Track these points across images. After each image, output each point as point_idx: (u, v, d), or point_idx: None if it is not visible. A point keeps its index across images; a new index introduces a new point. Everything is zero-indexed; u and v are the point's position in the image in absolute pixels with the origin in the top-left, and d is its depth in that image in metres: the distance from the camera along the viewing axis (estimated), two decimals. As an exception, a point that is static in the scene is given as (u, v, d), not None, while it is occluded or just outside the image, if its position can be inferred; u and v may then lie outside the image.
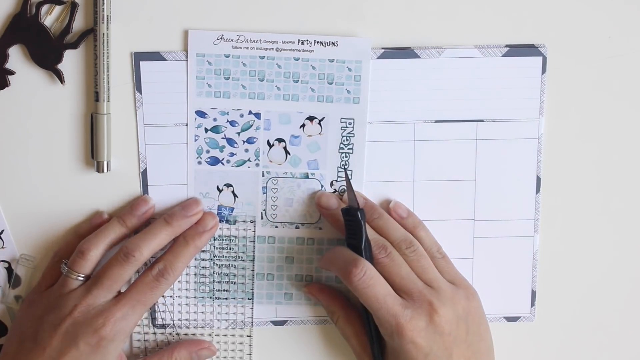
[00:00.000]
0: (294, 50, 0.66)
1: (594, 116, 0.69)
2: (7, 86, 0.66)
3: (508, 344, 0.72)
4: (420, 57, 0.67)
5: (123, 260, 0.63)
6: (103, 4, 0.64)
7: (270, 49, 0.66)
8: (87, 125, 0.67)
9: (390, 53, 0.67)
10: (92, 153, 0.66)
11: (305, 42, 0.66)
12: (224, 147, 0.68)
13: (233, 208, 0.69)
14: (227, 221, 0.69)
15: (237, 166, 0.68)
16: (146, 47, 0.66)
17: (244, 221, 0.69)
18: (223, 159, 0.68)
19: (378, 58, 0.66)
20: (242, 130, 0.68)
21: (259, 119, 0.67)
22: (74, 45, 0.65)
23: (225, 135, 0.68)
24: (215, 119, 0.67)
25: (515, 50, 0.67)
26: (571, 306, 0.72)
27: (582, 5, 0.67)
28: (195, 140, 0.68)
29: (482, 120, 0.68)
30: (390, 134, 0.68)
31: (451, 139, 0.68)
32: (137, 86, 0.66)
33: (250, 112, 0.67)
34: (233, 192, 0.69)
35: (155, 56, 0.66)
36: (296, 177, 0.68)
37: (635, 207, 0.71)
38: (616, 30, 0.67)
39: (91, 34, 0.65)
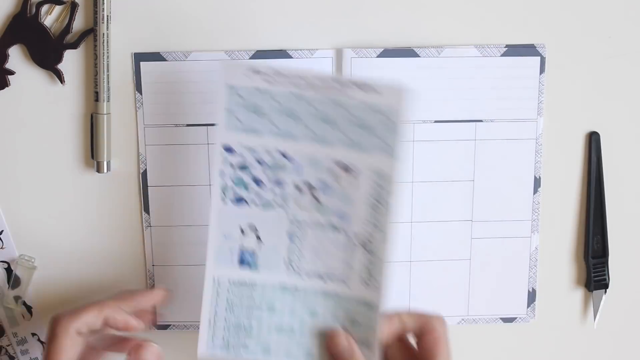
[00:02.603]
0: (330, 91, 0.61)
1: (593, 116, 0.69)
2: (7, 86, 0.66)
3: (504, 346, 0.72)
4: (419, 56, 0.67)
5: None
6: (103, 4, 0.64)
7: (306, 88, 0.61)
8: (87, 125, 0.67)
9: (390, 52, 0.67)
10: (92, 153, 0.66)
11: (343, 84, 0.61)
12: (250, 186, 0.63)
13: (255, 253, 0.64)
14: (249, 265, 0.64)
15: (263, 208, 0.63)
16: (146, 47, 0.66)
17: (265, 267, 0.64)
18: (249, 199, 0.63)
19: (378, 57, 0.67)
20: (271, 171, 0.63)
21: (290, 161, 0.62)
22: (74, 45, 0.65)
23: (252, 174, 0.63)
24: (243, 156, 0.62)
25: (515, 50, 0.67)
26: (568, 307, 0.73)
27: (582, 6, 0.67)
28: (221, 177, 0.63)
29: (480, 121, 0.68)
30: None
31: (450, 140, 0.68)
32: (137, 86, 0.66)
33: (280, 153, 0.62)
34: (257, 235, 0.64)
35: (155, 56, 0.66)
36: (324, 228, 0.63)
37: (635, 207, 0.71)
38: (616, 30, 0.68)
39: (91, 34, 0.65)
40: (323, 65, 0.67)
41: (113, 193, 0.68)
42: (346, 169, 0.62)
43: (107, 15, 0.64)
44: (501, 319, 0.71)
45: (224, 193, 0.63)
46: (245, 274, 0.63)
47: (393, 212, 0.61)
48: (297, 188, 0.63)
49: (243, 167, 0.62)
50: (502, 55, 0.67)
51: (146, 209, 0.68)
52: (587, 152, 0.70)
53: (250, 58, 0.66)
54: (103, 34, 0.64)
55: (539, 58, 0.67)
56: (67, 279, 0.69)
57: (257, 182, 0.63)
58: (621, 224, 0.71)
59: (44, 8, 0.65)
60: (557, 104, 0.68)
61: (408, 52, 0.67)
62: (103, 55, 0.65)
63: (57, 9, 0.65)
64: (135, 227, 0.68)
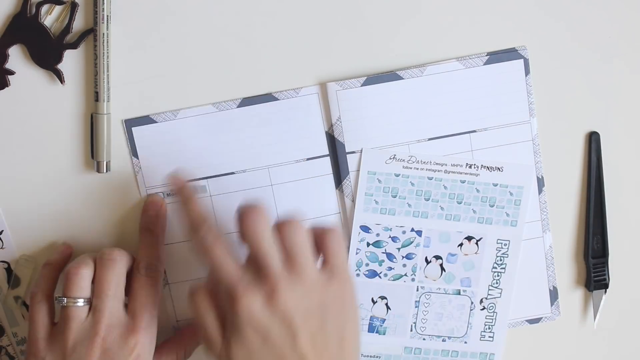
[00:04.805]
0: (461, 173, 0.68)
1: (593, 116, 0.69)
2: (7, 86, 0.65)
3: (504, 347, 0.72)
4: (403, 78, 0.67)
5: (154, 280, 0.64)
6: (103, 4, 0.64)
7: (439, 171, 0.68)
8: (87, 125, 0.67)
9: (374, 79, 0.67)
10: (92, 153, 0.66)
11: (472, 166, 0.68)
12: (383, 261, 0.69)
13: (384, 319, 0.70)
14: (377, 332, 0.70)
15: (393, 280, 0.70)
16: (147, 46, 0.66)
17: (392, 333, 0.70)
18: (381, 273, 0.69)
19: (362, 85, 0.66)
20: (403, 246, 0.69)
21: (420, 236, 0.69)
22: (74, 45, 0.65)
23: (385, 250, 0.69)
24: (378, 234, 0.69)
25: (496, 56, 0.67)
26: (568, 307, 0.72)
27: (582, 6, 0.67)
28: (357, 253, 0.69)
29: (474, 131, 0.68)
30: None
31: (447, 154, 0.68)
32: (133, 152, 0.67)
33: (412, 230, 0.69)
34: (386, 304, 0.70)
35: (146, 120, 0.67)
36: (448, 293, 0.70)
37: (635, 207, 0.71)
38: (616, 30, 0.68)
39: (91, 34, 0.65)
40: (309, 102, 0.67)
41: (113, 193, 0.68)
42: (471, 239, 0.69)
43: (107, 15, 0.64)
44: (527, 321, 0.72)
45: (357, 267, 0.69)
46: (372, 338, 0.70)
47: (512, 273, 0.70)
48: (426, 260, 0.69)
49: (377, 245, 0.69)
50: (485, 63, 0.67)
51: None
52: (586, 152, 0.70)
53: (238, 107, 0.67)
54: (103, 34, 0.64)
55: (521, 60, 0.67)
56: (67, 279, 0.69)
57: (390, 257, 0.69)
58: (621, 223, 0.71)
59: (44, 8, 0.65)
60: (556, 104, 0.68)
61: (391, 76, 0.67)
62: (103, 55, 0.65)
63: (57, 9, 0.65)
64: (135, 226, 0.68)
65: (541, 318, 0.72)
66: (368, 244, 0.69)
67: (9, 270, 0.69)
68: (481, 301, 0.70)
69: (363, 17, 0.66)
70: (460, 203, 0.68)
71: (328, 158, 0.68)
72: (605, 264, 0.72)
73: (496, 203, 0.68)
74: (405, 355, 0.71)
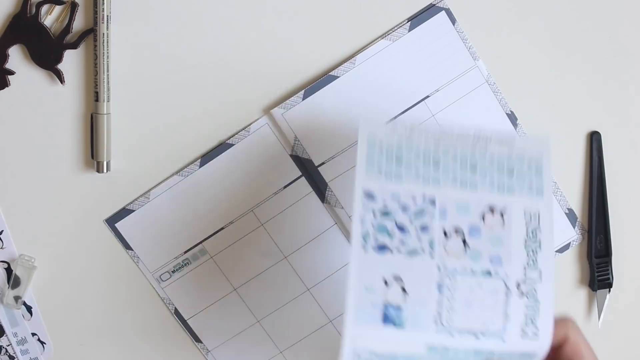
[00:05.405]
0: (471, 144, 0.59)
1: (594, 116, 0.69)
2: (7, 86, 0.66)
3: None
4: (338, 77, 0.66)
5: None
6: (103, 4, 0.64)
7: (445, 139, 0.60)
8: (87, 125, 0.67)
9: (311, 89, 0.66)
10: (92, 153, 0.66)
11: (482, 139, 0.59)
12: (394, 233, 0.58)
13: (400, 307, 0.57)
14: (394, 323, 0.56)
15: (408, 256, 0.58)
16: (147, 46, 0.66)
17: (412, 325, 0.57)
18: (392, 247, 0.58)
19: (303, 100, 0.66)
20: (416, 217, 0.58)
21: (434, 205, 0.59)
22: (74, 45, 0.65)
23: (396, 220, 0.58)
24: (385, 202, 0.59)
25: (417, 19, 0.66)
26: (572, 307, 0.72)
27: (580, 5, 0.67)
28: (362, 224, 0.58)
29: (428, 96, 0.67)
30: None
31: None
32: (126, 245, 0.68)
33: (424, 198, 0.59)
34: (402, 287, 0.58)
35: (124, 213, 0.68)
36: (477, 275, 0.58)
37: (637, 206, 0.71)
38: (616, 30, 0.67)
39: (91, 34, 0.65)
40: (263, 134, 0.67)
41: (113, 193, 0.68)
42: (493, 210, 0.58)
43: (107, 15, 0.64)
44: (556, 251, 0.69)
45: (364, 240, 0.58)
46: (389, 333, 0.56)
47: (549, 251, 0.58)
48: (444, 233, 0.58)
49: (385, 214, 0.58)
50: (410, 30, 0.66)
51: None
52: (588, 152, 0.70)
53: (200, 167, 0.67)
54: (103, 34, 0.64)
55: (443, 12, 0.66)
56: (67, 279, 0.69)
57: (401, 228, 0.58)
58: (624, 223, 0.71)
59: (44, 8, 0.65)
60: (557, 104, 0.68)
61: (327, 79, 0.66)
62: (103, 55, 0.65)
63: (57, 9, 0.65)
64: (135, 227, 0.68)
65: (569, 243, 0.70)
66: (374, 214, 0.59)
67: (9, 270, 0.69)
68: (518, 285, 0.58)
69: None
70: (472, 169, 0.59)
71: (303, 178, 0.68)
72: (608, 263, 0.71)
73: (513, 172, 0.59)
74: (429, 355, 0.57)
